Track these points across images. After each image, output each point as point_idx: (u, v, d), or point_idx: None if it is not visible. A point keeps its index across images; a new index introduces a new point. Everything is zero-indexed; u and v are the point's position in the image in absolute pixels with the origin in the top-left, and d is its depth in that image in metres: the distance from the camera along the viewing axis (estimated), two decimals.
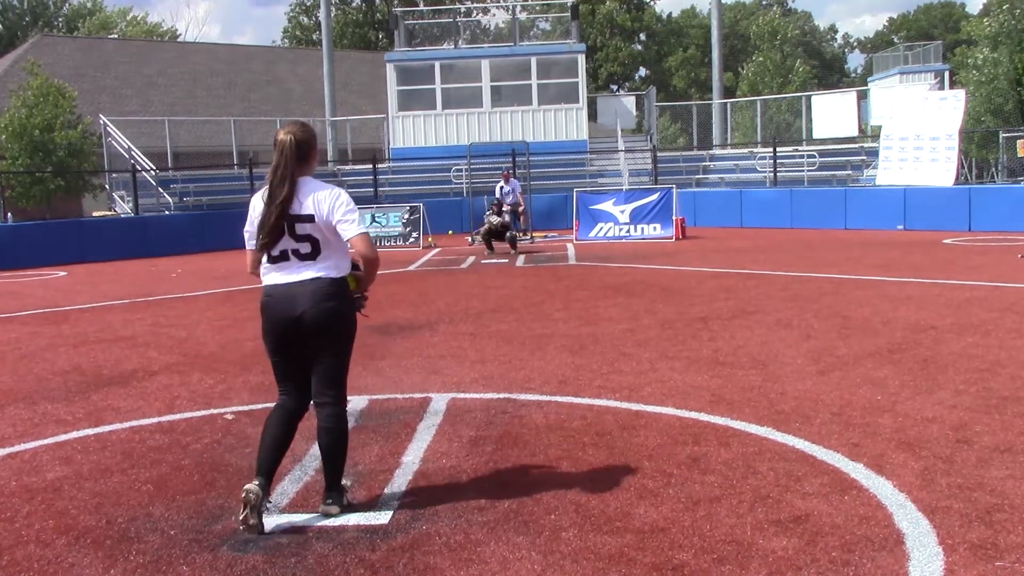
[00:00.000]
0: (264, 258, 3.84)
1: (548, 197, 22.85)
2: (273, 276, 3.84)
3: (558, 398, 5.84)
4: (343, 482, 4.02)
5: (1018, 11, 36.98)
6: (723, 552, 3.41)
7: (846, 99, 26.86)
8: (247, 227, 3.90)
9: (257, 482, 3.72)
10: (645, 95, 31.41)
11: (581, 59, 27.52)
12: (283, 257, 3.81)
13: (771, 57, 49.81)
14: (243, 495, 3.68)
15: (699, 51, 61.54)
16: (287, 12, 63.70)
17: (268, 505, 3.84)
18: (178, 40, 55.83)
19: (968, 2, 74.56)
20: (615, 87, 61.24)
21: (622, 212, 19.50)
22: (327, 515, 3.90)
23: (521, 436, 5.01)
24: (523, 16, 30.91)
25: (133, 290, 13.10)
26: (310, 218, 3.76)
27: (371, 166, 24.70)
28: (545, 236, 20.75)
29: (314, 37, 55.17)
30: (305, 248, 3.78)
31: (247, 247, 3.93)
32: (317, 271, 3.79)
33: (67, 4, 53.77)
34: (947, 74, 35.61)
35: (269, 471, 3.82)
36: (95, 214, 24.03)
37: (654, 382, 6.16)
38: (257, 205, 3.86)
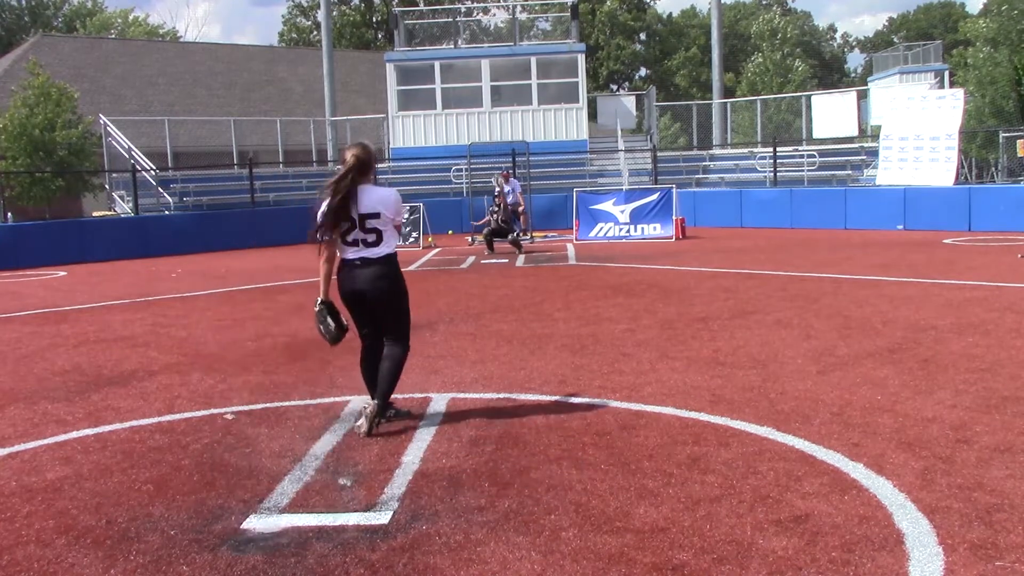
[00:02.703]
0: (342, 243, 5.11)
1: (548, 197, 22.85)
2: (351, 253, 5.10)
3: (558, 398, 5.84)
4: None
5: (1016, 11, 37.00)
6: (723, 552, 3.41)
7: (846, 99, 26.86)
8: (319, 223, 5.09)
9: (376, 402, 5.14)
10: (645, 95, 31.40)
11: (581, 59, 27.52)
12: (354, 244, 5.09)
13: (771, 57, 49.84)
14: (362, 410, 5.23)
15: (699, 51, 61.55)
16: (284, 15, 63.75)
17: (391, 413, 5.32)
18: (178, 40, 55.85)
19: (968, 2, 74.56)
20: (615, 87, 61.25)
21: (622, 212, 19.50)
22: (364, 414, 5.12)
23: (521, 436, 5.01)
24: (523, 16, 30.90)
25: (133, 290, 13.10)
26: (376, 215, 5.04)
27: None
28: (545, 236, 20.74)
29: (312, 38, 55.19)
30: (371, 238, 5.07)
31: (320, 237, 5.12)
32: (378, 252, 5.09)
33: (66, 4, 53.75)
34: (947, 74, 35.63)
35: (373, 391, 5.25)
36: (95, 214, 24.03)
37: (654, 382, 6.16)
38: (323, 205, 5.06)
